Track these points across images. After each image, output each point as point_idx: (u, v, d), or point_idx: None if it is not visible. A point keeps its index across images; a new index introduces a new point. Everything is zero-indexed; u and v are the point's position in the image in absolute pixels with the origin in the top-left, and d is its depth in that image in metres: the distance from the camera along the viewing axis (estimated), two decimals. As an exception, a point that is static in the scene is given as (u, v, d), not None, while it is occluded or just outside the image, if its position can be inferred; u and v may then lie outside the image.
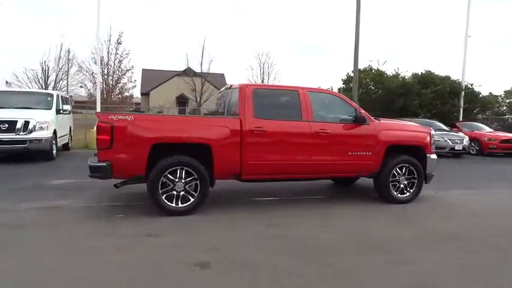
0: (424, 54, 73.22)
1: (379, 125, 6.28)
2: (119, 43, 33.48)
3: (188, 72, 35.12)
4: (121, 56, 33.59)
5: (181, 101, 52.92)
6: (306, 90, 6.04)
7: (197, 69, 35.21)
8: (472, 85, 20.16)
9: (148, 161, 5.09)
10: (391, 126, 6.49)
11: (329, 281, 3.40)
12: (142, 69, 43.15)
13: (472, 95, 20.27)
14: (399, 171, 6.35)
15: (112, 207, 5.71)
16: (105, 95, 30.52)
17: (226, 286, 3.28)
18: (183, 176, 5.24)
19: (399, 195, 6.39)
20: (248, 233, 4.71)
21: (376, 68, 19.18)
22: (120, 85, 34.04)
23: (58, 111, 10.96)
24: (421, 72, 19.78)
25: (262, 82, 40.65)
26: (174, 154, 5.20)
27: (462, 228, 5.18)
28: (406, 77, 19.30)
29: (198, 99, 33.73)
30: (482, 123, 19.20)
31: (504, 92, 30.73)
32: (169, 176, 5.18)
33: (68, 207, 5.64)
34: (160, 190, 5.15)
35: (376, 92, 18.30)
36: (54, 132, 10.31)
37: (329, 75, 74.96)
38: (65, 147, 12.59)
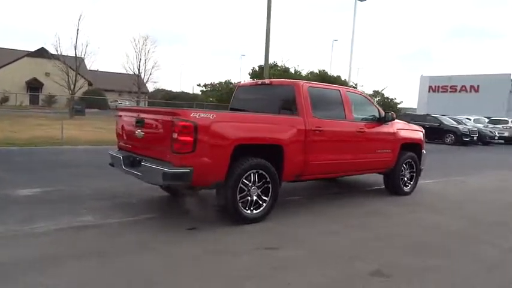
0: (318, 56, 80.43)
1: (394, 124, 6.79)
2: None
3: (46, 54, 30.38)
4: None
5: (33, 86, 45.99)
6: (345, 90, 6.15)
7: (69, 53, 30.78)
8: (356, 84, 22.97)
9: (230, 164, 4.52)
10: (401, 125, 7.08)
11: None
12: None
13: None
14: (405, 166, 7.02)
15: (161, 220, 4.89)
16: None
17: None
18: (256, 180, 4.82)
19: (404, 188, 7.07)
20: (365, 234, 4.64)
21: (282, 65, 20.15)
22: None
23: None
24: (319, 71, 21.59)
25: (139, 71, 38.21)
26: (248, 156, 4.72)
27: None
28: (303, 75, 20.77)
29: (72, 86, 29.58)
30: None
31: (373, 91, 35.68)
32: (244, 180, 4.69)
33: (101, 224, 4.57)
34: (238, 196, 4.63)
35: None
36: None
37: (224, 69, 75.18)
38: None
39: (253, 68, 20.55)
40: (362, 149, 6.12)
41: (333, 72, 22.19)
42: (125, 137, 5.26)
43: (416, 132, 7.34)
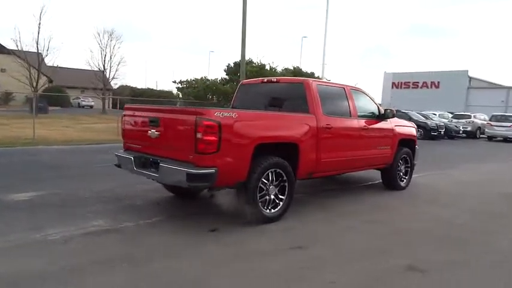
0: (287, 53, 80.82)
1: (391, 121, 6.94)
2: None
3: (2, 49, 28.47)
4: None
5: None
6: (349, 88, 6.21)
7: (30, 48, 29.20)
8: (329, 80, 23.30)
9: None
10: (397, 122, 7.24)
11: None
12: None
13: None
14: (401, 162, 7.20)
15: (178, 222, 4.74)
16: None
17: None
18: (274, 179, 4.78)
19: (401, 182, 7.26)
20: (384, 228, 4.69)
21: (258, 62, 20.11)
22: None
23: None
24: (293, 67, 21.73)
25: (104, 67, 36.86)
26: (265, 155, 4.67)
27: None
28: (278, 71, 20.83)
29: (35, 84, 28.07)
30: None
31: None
32: (263, 179, 4.64)
33: (117, 229, 4.37)
34: (258, 196, 4.58)
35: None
36: None
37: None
38: None
39: (229, 64, 20.40)
40: (366, 145, 6.22)
41: (303, 68, 22.27)
42: (134, 137, 5.05)
43: (411, 129, 7.55)
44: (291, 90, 5.71)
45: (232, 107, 6.39)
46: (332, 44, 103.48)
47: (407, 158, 7.32)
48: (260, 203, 4.62)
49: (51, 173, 7.39)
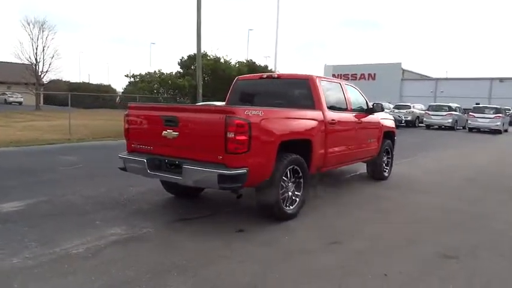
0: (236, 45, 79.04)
1: (377, 114, 7.23)
2: None
3: None
4: None
5: None
6: (344, 83, 6.36)
7: None
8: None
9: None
10: (382, 115, 7.55)
11: None
12: None
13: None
14: (384, 153, 7.55)
15: (201, 224, 4.59)
16: None
17: None
18: (291, 176, 4.79)
19: (384, 173, 7.62)
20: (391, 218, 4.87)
21: (214, 55, 19.82)
22: None
23: None
24: (246, 61, 21.68)
25: (36, 60, 34.08)
26: (284, 152, 4.65)
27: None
28: (232, 64, 20.68)
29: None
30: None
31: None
32: (283, 177, 4.63)
33: (141, 236, 4.14)
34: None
35: (217, 78, 18.97)
36: None
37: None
38: None
39: (182, 57, 19.86)
40: (360, 138, 6.44)
41: (256, 61, 22.29)
42: (144, 138, 4.76)
43: (391, 121, 7.92)
44: (294, 87, 5.72)
45: (226, 104, 6.26)
46: (271, 37, 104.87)
47: (389, 149, 7.70)
48: (281, 201, 4.61)
49: (21, 179, 6.72)
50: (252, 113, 4.09)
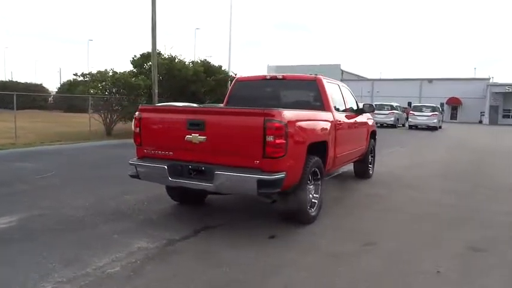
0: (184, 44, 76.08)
1: (364, 114, 7.43)
2: None
3: None
4: None
5: None
6: (340, 84, 6.45)
7: None
8: (236, 74, 23.42)
9: (304, 165, 4.35)
10: (367, 115, 7.76)
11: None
12: None
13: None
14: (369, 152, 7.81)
15: (226, 231, 4.38)
16: None
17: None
18: (312, 179, 4.75)
19: (369, 171, 7.87)
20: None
21: (169, 54, 19.16)
22: None
23: None
24: (200, 60, 21.23)
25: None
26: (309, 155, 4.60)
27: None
28: (187, 63, 20.17)
29: None
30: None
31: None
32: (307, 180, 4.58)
33: (175, 249, 3.87)
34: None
35: (173, 78, 18.34)
36: None
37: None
38: None
39: (135, 56, 18.90)
40: (356, 139, 6.59)
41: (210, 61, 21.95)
42: (162, 143, 4.42)
43: (373, 121, 8.18)
44: (302, 88, 5.69)
45: (226, 105, 6.07)
46: (214, 35, 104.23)
47: (372, 148, 7.96)
48: (305, 204, 4.56)
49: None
50: (286, 115, 3.99)
